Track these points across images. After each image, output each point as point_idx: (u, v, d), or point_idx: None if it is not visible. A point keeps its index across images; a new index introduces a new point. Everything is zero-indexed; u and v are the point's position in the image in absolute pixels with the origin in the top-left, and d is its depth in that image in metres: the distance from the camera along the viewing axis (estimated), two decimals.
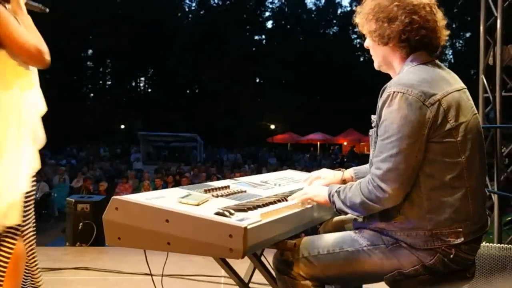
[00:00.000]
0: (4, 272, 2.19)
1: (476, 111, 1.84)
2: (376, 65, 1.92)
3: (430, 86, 1.68)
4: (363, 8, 1.85)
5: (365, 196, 1.70)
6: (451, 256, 1.69)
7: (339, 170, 2.28)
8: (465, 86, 1.81)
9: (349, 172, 2.23)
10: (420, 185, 1.68)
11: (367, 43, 1.90)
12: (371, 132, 1.84)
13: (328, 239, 1.86)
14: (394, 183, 1.64)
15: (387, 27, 1.76)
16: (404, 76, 1.73)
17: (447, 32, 1.83)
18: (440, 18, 1.80)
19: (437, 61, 1.82)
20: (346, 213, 1.83)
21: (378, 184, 1.66)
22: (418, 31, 1.74)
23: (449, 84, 1.74)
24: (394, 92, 1.66)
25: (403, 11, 1.74)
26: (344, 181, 2.13)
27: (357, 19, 1.88)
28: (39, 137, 2.33)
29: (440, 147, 1.66)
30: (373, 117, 1.80)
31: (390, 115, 1.66)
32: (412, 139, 1.63)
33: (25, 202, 2.29)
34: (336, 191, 1.82)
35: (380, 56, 1.86)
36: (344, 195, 1.78)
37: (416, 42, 1.76)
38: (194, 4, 43.16)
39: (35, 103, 2.31)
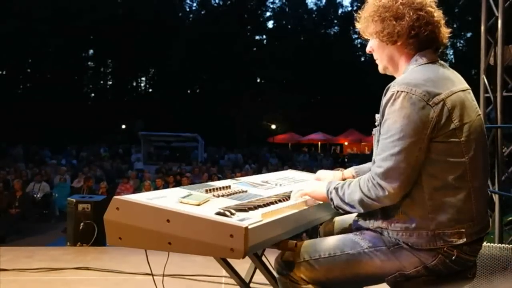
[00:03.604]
0: None
1: (480, 112, 1.84)
2: (381, 68, 1.91)
3: (435, 85, 1.68)
4: (364, 12, 1.85)
5: (364, 193, 1.70)
6: (453, 257, 1.69)
7: (338, 169, 2.27)
8: (469, 87, 1.81)
9: (349, 171, 2.22)
10: (423, 184, 1.68)
11: (371, 46, 1.89)
12: (375, 131, 1.83)
13: (329, 242, 1.86)
14: (394, 182, 1.64)
15: (396, 24, 1.76)
16: (408, 75, 1.73)
17: (449, 30, 1.84)
18: (441, 15, 1.82)
19: (442, 62, 1.83)
20: (344, 210, 1.83)
21: (378, 182, 1.66)
22: (426, 26, 1.75)
23: (454, 84, 1.74)
24: (397, 91, 1.66)
25: (409, 8, 1.75)
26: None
27: (359, 24, 1.88)
28: None
29: (444, 146, 1.66)
30: (377, 116, 1.79)
31: (393, 114, 1.65)
32: (414, 139, 1.62)
33: None
34: (334, 188, 1.82)
35: (387, 56, 1.86)
36: (343, 191, 1.78)
37: (424, 38, 1.76)
38: (195, 4, 43.23)
39: None
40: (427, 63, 1.77)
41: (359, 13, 1.88)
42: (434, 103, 1.64)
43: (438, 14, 1.79)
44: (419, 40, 1.77)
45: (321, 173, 2.25)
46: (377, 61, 1.91)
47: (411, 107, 1.63)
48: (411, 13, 1.74)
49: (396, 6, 1.76)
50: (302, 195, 1.96)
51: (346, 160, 23.44)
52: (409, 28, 1.75)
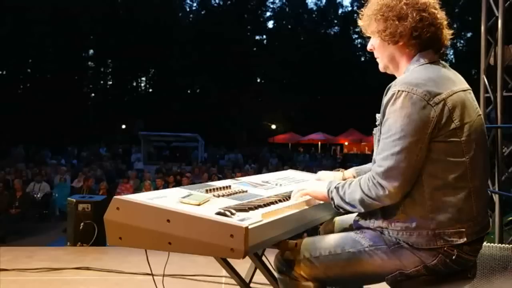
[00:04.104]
0: None
1: (480, 112, 1.84)
2: (381, 67, 1.91)
3: (436, 85, 1.68)
4: (367, 9, 1.85)
5: (364, 192, 1.70)
6: (453, 257, 1.69)
7: (338, 170, 2.27)
8: (469, 87, 1.82)
9: (350, 172, 2.22)
10: (423, 184, 1.68)
11: (372, 45, 1.89)
12: (375, 130, 1.84)
13: (330, 240, 1.86)
14: (394, 181, 1.64)
15: (398, 24, 1.76)
16: (409, 75, 1.73)
17: (451, 31, 1.84)
18: (444, 17, 1.82)
19: (443, 62, 1.83)
20: (344, 209, 1.83)
21: (378, 181, 1.66)
22: (428, 28, 1.75)
23: (455, 84, 1.74)
24: (398, 91, 1.66)
25: (413, 8, 1.75)
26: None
27: (361, 22, 1.88)
28: None
29: (444, 146, 1.66)
30: (378, 116, 1.80)
31: (394, 114, 1.66)
32: (414, 138, 1.63)
33: None
34: (335, 187, 1.82)
35: (388, 56, 1.86)
36: (343, 191, 1.78)
37: (427, 39, 1.77)
38: (195, 4, 43.21)
39: None
40: (428, 63, 1.77)
41: (362, 10, 1.88)
42: (435, 102, 1.65)
43: (441, 16, 1.79)
44: (421, 41, 1.77)
45: (322, 174, 2.25)
46: (377, 60, 1.91)
47: (412, 106, 1.63)
48: (414, 14, 1.74)
49: (399, 6, 1.76)
50: (302, 195, 1.96)
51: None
52: (412, 29, 1.75)
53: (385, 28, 1.79)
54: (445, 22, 1.81)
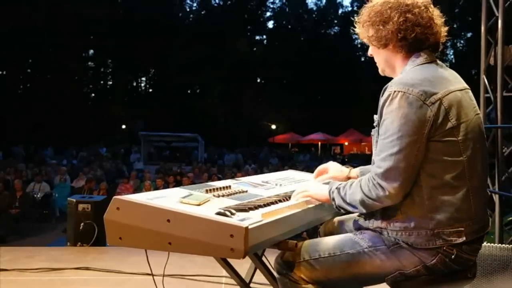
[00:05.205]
0: None
1: (479, 111, 1.84)
2: (380, 71, 1.95)
3: (432, 85, 1.68)
4: (360, 17, 1.88)
5: (365, 193, 1.70)
6: (453, 256, 1.69)
7: (347, 167, 2.27)
8: (468, 87, 1.82)
9: (355, 171, 2.22)
10: (422, 184, 1.68)
11: (370, 51, 1.92)
12: (373, 131, 1.84)
13: (329, 242, 1.86)
14: (394, 182, 1.64)
15: (383, 29, 1.78)
16: (405, 75, 1.74)
17: (445, 29, 1.84)
18: (437, 15, 1.81)
19: (439, 61, 1.83)
20: (345, 210, 1.83)
21: (378, 182, 1.66)
22: (412, 28, 1.76)
23: (451, 83, 1.74)
24: (394, 91, 1.67)
25: (396, 11, 1.76)
26: (349, 179, 2.12)
27: (357, 30, 1.91)
28: None
29: (441, 146, 1.66)
30: (375, 117, 1.80)
31: (391, 114, 1.66)
32: (412, 138, 1.63)
33: None
34: (336, 188, 1.83)
35: (383, 60, 1.88)
36: (344, 192, 1.79)
37: (413, 40, 1.77)
38: (195, 4, 43.24)
39: None
40: (424, 63, 1.78)
41: (356, 19, 1.91)
42: (431, 102, 1.65)
43: (430, 15, 1.79)
44: (408, 42, 1.78)
45: (331, 164, 2.25)
46: (377, 64, 1.94)
47: (409, 106, 1.63)
48: (397, 17, 1.75)
49: (384, 10, 1.78)
50: (304, 197, 1.96)
51: (346, 160, 23.45)
52: (396, 32, 1.77)
53: (373, 34, 1.82)
54: (438, 21, 1.80)
